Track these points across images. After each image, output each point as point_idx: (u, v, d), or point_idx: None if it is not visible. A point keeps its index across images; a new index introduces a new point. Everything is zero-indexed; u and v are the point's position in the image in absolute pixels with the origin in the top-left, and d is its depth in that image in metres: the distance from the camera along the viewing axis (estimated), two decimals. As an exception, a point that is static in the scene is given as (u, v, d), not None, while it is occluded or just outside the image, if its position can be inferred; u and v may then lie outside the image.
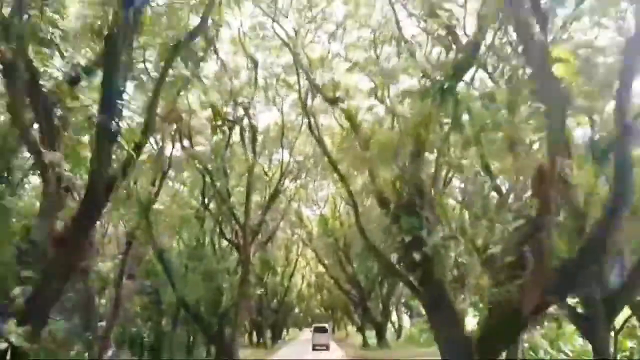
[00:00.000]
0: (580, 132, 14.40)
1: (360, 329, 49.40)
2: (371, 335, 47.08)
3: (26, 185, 18.04)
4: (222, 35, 19.09)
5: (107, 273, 21.54)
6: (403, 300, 52.08)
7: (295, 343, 54.34)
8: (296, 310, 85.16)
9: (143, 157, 17.17)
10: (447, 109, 13.10)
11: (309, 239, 47.95)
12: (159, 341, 29.22)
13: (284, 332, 79.18)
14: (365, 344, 45.15)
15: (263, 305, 46.80)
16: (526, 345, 17.64)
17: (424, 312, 55.97)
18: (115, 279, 20.33)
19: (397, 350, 38.05)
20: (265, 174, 33.31)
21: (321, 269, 55.96)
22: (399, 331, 51.46)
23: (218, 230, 29.56)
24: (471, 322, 14.91)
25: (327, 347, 40.49)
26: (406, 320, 58.01)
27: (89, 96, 12.16)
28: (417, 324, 52.15)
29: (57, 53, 12.43)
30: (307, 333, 69.99)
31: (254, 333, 53.76)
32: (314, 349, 40.15)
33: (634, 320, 15.92)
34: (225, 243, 30.92)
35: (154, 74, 14.66)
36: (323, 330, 42.97)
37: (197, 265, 25.48)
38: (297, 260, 53.38)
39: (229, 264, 28.83)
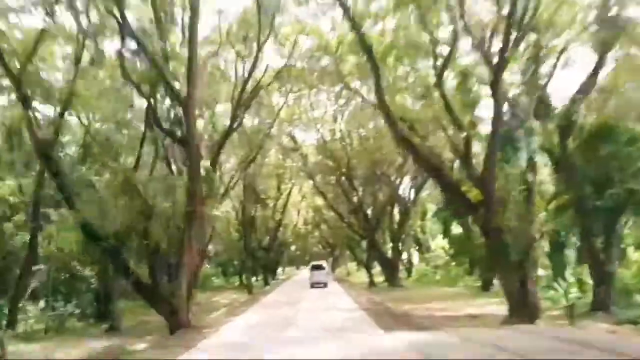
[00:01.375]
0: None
1: (366, 266, 42.94)
2: (376, 273, 41.36)
3: None
4: None
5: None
6: (412, 233, 45.76)
7: (286, 285, 48.19)
8: (292, 248, 79.57)
9: None
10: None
11: (304, 164, 40.46)
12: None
13: (280, 271, 74.10)
14: (372, 283, 38.86)
15: (248, 243, 39.95)
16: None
17: (432, 246, 50.81)
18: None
19: (415, 290, 31.62)
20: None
21: (319, 201, 49.17)
22: (409, 269, 45.25)
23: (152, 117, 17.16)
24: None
25: (325, 285, 38.86)
26: (415, 256, 51.91)
27: None
28: (430, 260, 46.08)
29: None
30: (304, 272, 64.49)
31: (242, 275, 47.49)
32: (312, 287, 38.38)
33: None
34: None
35: None
36: (320, 267, 41.18)
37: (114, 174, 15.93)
38: (290, 189, 46.13)
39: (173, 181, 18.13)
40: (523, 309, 13.47)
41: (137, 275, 14.08)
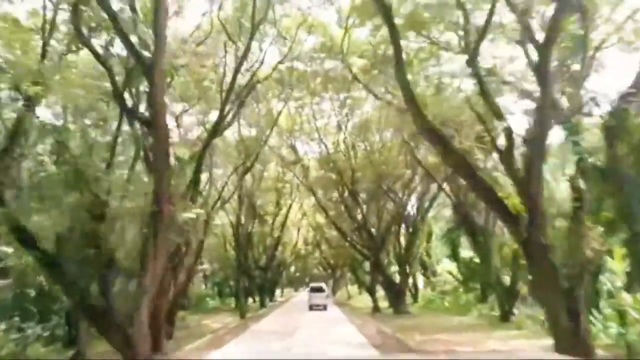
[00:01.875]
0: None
1: (370, 290, 39.81)
2: (379, 297, 38.20)
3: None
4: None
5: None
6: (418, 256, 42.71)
7: (284, 308, 45.11)
8: (292, 269, 76.43)
9: None
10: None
11: (305, 178, 37.78)
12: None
13: (278, 292, 70.77)
14: (376, 309, 35.74)
15: (242, 262, 36.98)
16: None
17: (439, 270, 47.69)
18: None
19: (424, 318, 28.56)
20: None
21: (320, 219, 46.40)
22: (415, 294, 42.05)
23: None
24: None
25: (324, 307, 37.95)
26: (420, 280, 48.68)
27: None
28: (437, 285, 42.91)
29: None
30: (302, 295, 61.41)
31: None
32: (310, 309, 37.49)
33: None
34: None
35: None
36: (320, 289, 40.24)
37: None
38: (290, 205, 43.43)
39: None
40: (574, 347, 10.64)
41: (82, 294, 10.97)
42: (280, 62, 22.84)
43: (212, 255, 48.35)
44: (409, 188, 34.22)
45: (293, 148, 36.92)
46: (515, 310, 24.40)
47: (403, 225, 36.06)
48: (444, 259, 44.84)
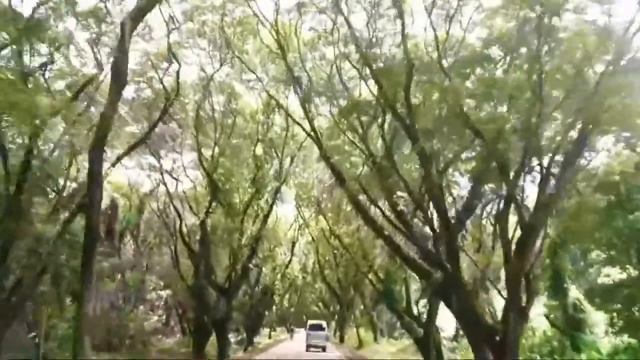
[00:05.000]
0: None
1: (423, 342, 23.79)
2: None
3: None
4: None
5: None
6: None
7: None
8: (285, 302, 60.21)
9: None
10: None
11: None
12: None
13: (268, 332, 54.74)
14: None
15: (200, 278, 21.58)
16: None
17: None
18: None
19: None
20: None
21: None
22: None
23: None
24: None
25: (323, 349, 35.58)
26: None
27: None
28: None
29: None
30: (299, 338, 45.73)
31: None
32: (307, 350, 35.36)
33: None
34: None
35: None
36: (319, 327, 37.63)
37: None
38: (278, 189, 27.29)
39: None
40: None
41: None
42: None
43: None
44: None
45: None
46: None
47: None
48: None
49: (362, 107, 15.54)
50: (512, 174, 12.64)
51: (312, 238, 39.52)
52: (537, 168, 13.00)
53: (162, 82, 20.02)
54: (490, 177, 13.49)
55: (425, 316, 21.83)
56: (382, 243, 20.20)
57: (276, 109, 22.64)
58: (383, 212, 15.97)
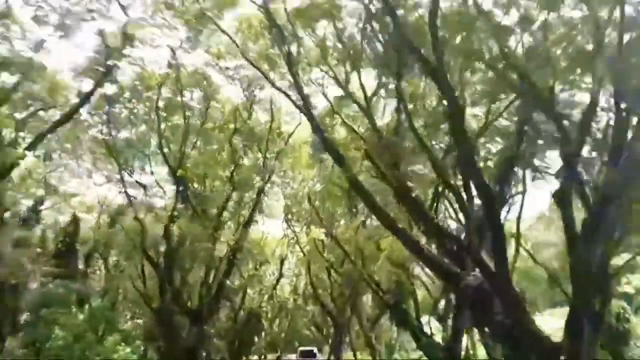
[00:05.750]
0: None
1: None
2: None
3: None
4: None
5: None
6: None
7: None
8: (275, 326, 55.59)
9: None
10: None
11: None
12: None
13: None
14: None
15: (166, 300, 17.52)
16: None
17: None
18: None
19: None
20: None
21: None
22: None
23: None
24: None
25: None
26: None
27: None
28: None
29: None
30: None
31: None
32: None
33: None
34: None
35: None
36: (311, 354, 37.32)
37: None
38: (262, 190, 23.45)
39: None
40: None
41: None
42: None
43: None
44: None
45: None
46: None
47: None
48: None
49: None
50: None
51: (303, 253, 35.67)
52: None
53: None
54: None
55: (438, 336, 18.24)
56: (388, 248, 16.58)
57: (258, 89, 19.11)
58: (396, 190, 12.21)
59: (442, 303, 22.54)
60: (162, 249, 19.46)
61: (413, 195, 11.76)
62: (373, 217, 24.51)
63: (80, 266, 36.33)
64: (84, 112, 23.82)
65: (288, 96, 14.62)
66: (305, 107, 13.61)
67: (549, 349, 9.37)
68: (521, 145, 11.68)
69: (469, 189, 10.86)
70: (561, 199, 9.69)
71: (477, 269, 11.46)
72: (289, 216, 35.40)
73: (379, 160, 12.53)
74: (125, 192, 21.11)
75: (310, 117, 13.48)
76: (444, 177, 11.49)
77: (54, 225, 34.16)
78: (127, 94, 22.70)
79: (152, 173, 22.26)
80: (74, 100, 19.03)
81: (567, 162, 9.62)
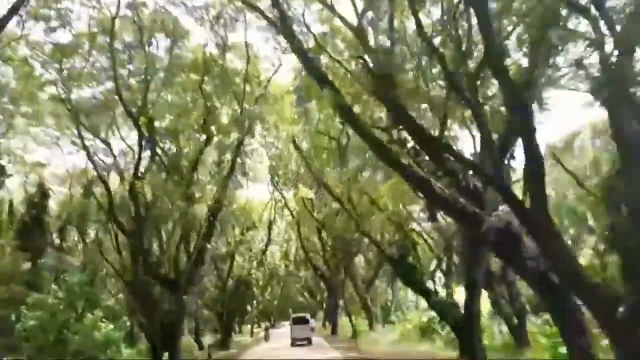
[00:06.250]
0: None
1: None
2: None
3: None
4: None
5: None
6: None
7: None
8: (267, 294, 54.19)
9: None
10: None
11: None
12: None
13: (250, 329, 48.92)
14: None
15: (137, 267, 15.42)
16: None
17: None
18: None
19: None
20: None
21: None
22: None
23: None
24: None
25: (309, 341, 32.70)
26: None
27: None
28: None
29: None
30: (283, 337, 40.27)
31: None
32: (293, 345, 32.39)
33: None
34: None
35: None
36: (303, 320, 33.98)
37: None
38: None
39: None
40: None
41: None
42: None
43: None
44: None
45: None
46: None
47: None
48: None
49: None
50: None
51: (292, 215, 33.66)
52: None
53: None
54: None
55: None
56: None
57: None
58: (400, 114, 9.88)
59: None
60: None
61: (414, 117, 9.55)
62: (365, 169, 22.60)
63: (57, 241, 34.23)
64: (37, 66, 21.37)
65: (262, 12, 11.99)
66: (284, 27, 11.16)
67: (606, 297, 7.43)
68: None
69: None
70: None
71: (500, 207, 9.43)
72: (276, 178, 33.45)
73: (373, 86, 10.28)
74: (88, 153, 18.68)
75: (290, 35, 11.03)
76: (455, 84, 9.12)
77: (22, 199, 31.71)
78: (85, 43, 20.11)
79: (121, 138, 19.80)
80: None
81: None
